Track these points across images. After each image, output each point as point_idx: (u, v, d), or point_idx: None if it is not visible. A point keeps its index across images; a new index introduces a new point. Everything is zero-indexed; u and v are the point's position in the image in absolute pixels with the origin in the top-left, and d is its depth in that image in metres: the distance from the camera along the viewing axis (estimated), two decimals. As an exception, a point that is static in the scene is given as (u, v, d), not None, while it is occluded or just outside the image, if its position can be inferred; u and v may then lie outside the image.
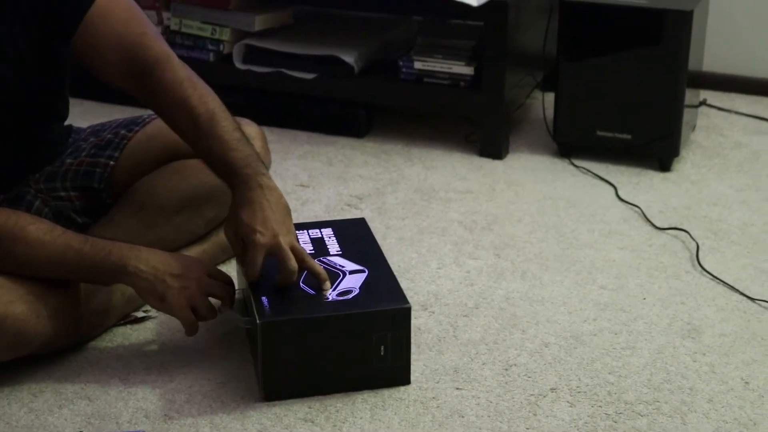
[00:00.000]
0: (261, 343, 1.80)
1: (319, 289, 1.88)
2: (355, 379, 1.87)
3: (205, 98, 1.92)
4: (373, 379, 1.88)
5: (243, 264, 1.89)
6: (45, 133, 2.10)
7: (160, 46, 1.93)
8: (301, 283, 1.90)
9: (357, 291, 1.88)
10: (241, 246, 1.88)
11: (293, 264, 1.85)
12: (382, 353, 1.86)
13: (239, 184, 1.88)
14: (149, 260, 1.85)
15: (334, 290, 1.88)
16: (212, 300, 1.91)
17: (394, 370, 1.89)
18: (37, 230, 1.85)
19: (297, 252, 1.86)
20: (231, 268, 2.23)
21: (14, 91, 1.92)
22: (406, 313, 1.86)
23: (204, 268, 1.91)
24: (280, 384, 1.84)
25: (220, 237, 2.23)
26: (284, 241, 1.84)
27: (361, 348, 1.85)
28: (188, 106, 1.90)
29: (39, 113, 2.05)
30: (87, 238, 1.88)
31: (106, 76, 1.95)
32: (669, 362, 1.98)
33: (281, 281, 1.86)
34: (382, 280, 1.93)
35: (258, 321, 1.79)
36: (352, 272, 1.94)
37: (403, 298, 1.88)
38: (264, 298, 1.84)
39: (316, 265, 1.90)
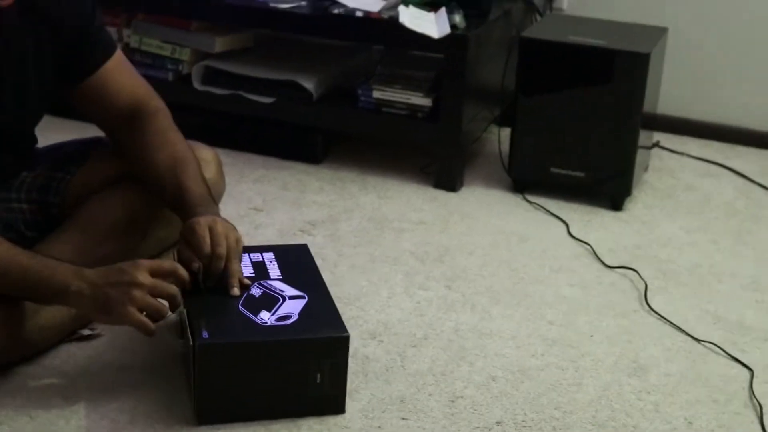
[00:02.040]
0: (196, 365, 1.78)
1: (231, 295, 1.89)
2: (290, 405, 1.85)
3: (184, 144, 2.07)
4: (308, 407, 1.86)
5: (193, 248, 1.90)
6: (21, 153, 2.11)
7: (157, 100, 2.12)
8: (240, 306, 1.89)
9: (296, 317, 1.87)
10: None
11: (220, 249, 1.87)
12: (318, 381, 1.85)
13: (194, 213, 1.93)
14: (89, 277, 1.82)
15: (273, 315, 1.87)
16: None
17: (330, 399, 1.88)
18: None
19: (229, 251, 1.89)
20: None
21: (11, 120, 1.98)
22: (344, 341, 1.85)
23: (145, 268, 1.83)
24: (214, 407, 1.82)
25: (168, 259, 2.22)
26: (222, 229, 1.89)
27: (298, 375, 1.84)
28: (171, 147, 2.04)
29: (24, 138, 2.10)
30: (35, 255, 1.86)
31: (105, 119, 2.09)
32: (614, 400, 2.00)
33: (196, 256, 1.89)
34: (321, 307, 1.93)
35: (196, 343, 1.78)
36: (291, 297, 1.93)
37: (342, 327, 1.87)
38: (201, 321, 1.82)
39: (238, 266, 1.91)
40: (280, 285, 1.97)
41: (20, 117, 2.01)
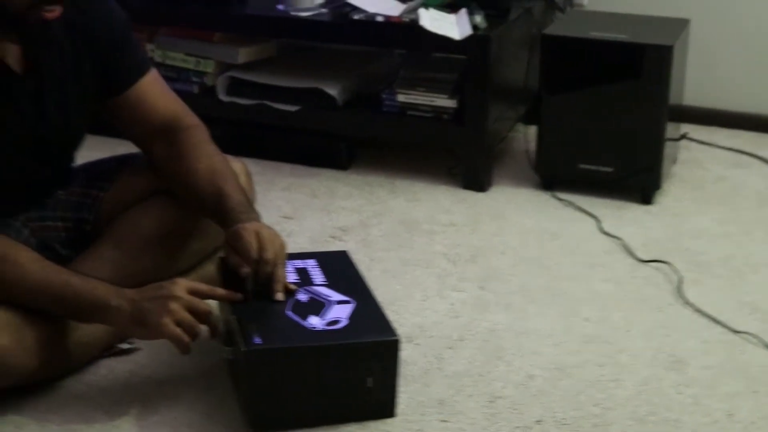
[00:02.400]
0: (247, 372, 1.79)
1: (278, 301, 1.91)
2: (340, 410, 1.86)
3: (221, 156, 2.09)
4: (358, 411, 1.87)
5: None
6: (60, 171, 2.14)
7: (193, 117, 2.14)
8: (288, 312, 1.89)
9: (345, 321, 1.88)
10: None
11: (268, 254, 1.89)
12: (368, 385, 1.85)
13: (237, 220, 1.95)
14: (128, 294, 1.85)
15: (322, 320, 1.88)
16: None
17: (379, 403, 1.88)
18: (28, 255, 1.86)
19: (275, 257, 1.91)
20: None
21: (54, 135, 2.00)
22: (394, 345, 1.86)
23: (183, 286, 1.87)
24: (266, 414, 1.83)
25: (205, 270, 2.24)
26: (267, 235, 1.91)
27: (348, 379, 1.84)
28: (208, 159, 2.06)
29: (65, 156, 2.13)
30: (75, 273, 1.89)
31: (140, 134, 2.11)
32: (653, 394, 1.99)
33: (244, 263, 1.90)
34: (369, 312, 1.93)
35: (248, 348, 1.78)
36: (339, 302, 1.94)
37: (392, 330, 1.88)
38: (251, 327, 1.83)
39: (283, 272, 1.93)
40: (325, 290, 1.98)
41: (63, 133, 2.03)
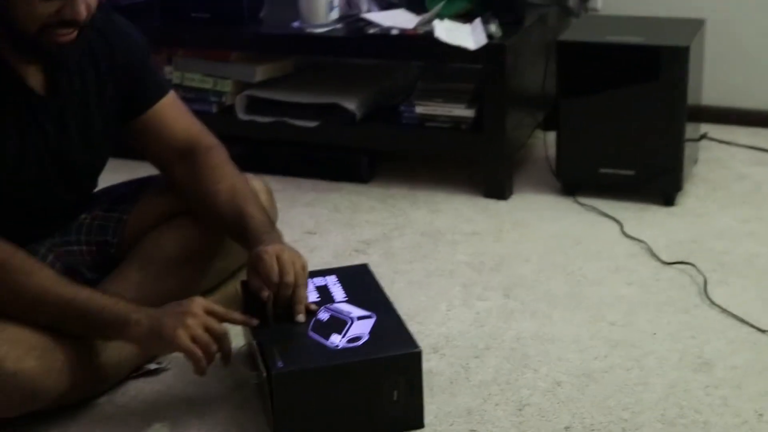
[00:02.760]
0: (274, 394, 1.80)
1: (299, 322, 1.92)
2: (368, 425, 1.87)
3: (241, 177, 2.11)
4: (386, 424, 1.87)
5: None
6: (84, 195, 2.16)
7: (212, 138, 2.16)
8: (310, 332, 1.90)
9: (366, 337, 1.89)
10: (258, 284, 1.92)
11: (289, 278, 1.90)
12: (395, 398, 1.86)
13: (259, 241, 1.96)
14: (148, 310, 1.87)
15: (343, 337, 1.89)
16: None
17: (407, 414, 1.89)
18: (50, 273, 1.88)
19: (297, 278, 1.92)
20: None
21: (77, 160, 2.02)
22: (416, 357, 1.86)
23: (200, 304, 1.88)
24: None
25: (228, 289, 2.25)
26: (288, 257, 1.92)
27: (374, 394, 1.85)
28: (229, 180, 2.08)
29: (89, 179, 2.15)
30: (95, 289, 1.92)
31: (161, 155, 2.13)
32: (682, 397, 1.98)
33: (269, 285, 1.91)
34: (390, 325, 1.94)
35: (271, 372, 1.79)
36: (359, 318, 1.95)
37: (413, 342, 1.88)
38: (274, 349, 1.84)
39: (304, 293, 1.94)
40: (346, 307, 1.99)
41: (86, 156, 2.05)
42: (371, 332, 1.90)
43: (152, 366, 2.10)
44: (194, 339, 1.84)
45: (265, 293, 1.91)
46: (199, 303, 1.88)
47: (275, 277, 1.90)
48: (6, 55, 1.85)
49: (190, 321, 1.84)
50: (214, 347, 1.86)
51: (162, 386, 2.06)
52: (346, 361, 1.83)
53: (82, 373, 1.92)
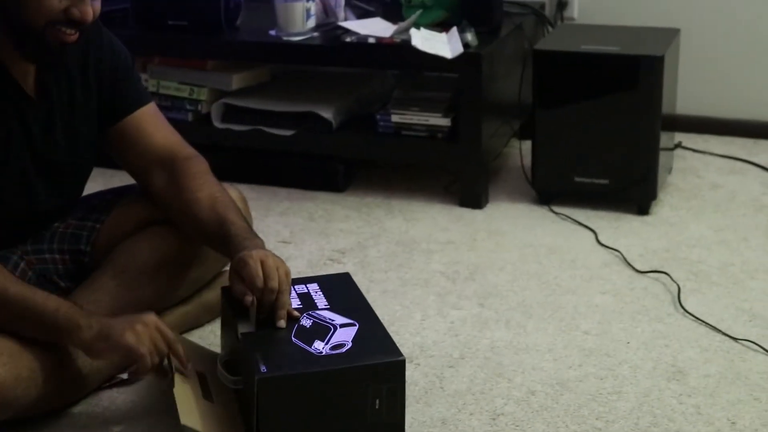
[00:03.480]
0: (258, 399, 1.79)
1: (282, 328, 1.91)
2: None
3: (220, 186, 2.11)
4: None
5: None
6: (68, 202, 2.16)
7: (191, 149, 2.16)
8: (293, 338, 1.90)
9: (350, 345, 1.88)
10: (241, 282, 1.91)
11: (273, 283, 1.89)
12: (377, 406, 1.85)
13: (242, 247, 1.95)
14: (100, 318, 1.87)
15: (326, 344, 1.88)
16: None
17: (388, 424, 1.87)
18: (8, 273, 1.89)
19: (280, 284, 1.91)
20: (215, 328, 2.24)
21: (64, 163, 2.03)
22: (400, 365, 1.86)
23: (153, 319, 1.88)
24: None
25: (204, 298, 2.25)
26: (272, 263, 1.91)
27: (357, 402, 1.84)
28: (209, 188, 2.08)
29: (72, 188, 2.15)
30: (51, 294, 1.90)
31: (139, 163, 2.13)
32: (655, 405, 1.99)
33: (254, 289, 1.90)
34: (373, 334, 1.94)
35: (255, 377, 1.78)
36: (342, 326, 1.94)
37: (397, 351, 1.88)
38: (257, 355, 1.84)
39: (287, 299, 1.93)
40: (329, 314, 1.98)
41: (71, 161, 2.05)
42: (354, 340, 1.90)
43: (125, 375, 2.08)
44: (141, 341, 1.84)
45: (249, 298, 1.90)
46: (151, 317, 1.88)
47: (260, 282, 1.90)
48: (3, 56, 1.88)
49: (140, 327, 1.85)
50: (163, 346, 1.86)
51: (135, 396, 2.05)
52: (330, 368, 1.82)
53: (54, 382, 1.91)
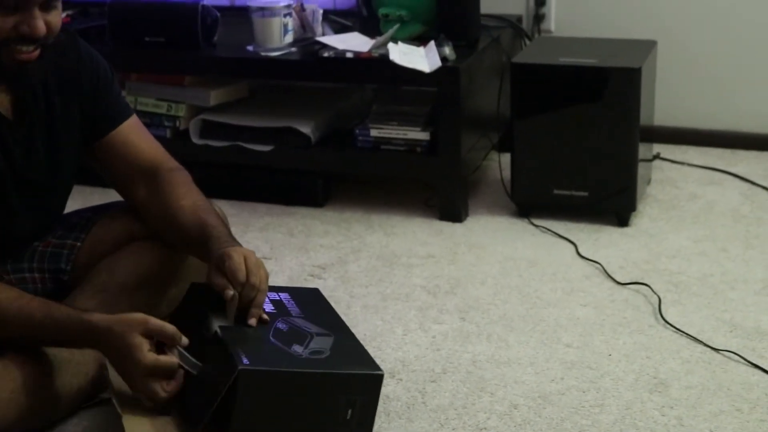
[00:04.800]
0: (237, 391, 1.75)
1: (260, 328, 1.89)
2: None
3: (203, 196, 2.11)
4: None
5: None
6: (50, 219, 2.14)
7: (174, 161, 2.16)
8: (271, 338, 1.88)
9: (328, 352, 1.88)
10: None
11: (255, 279, 1.88)
12: (348, 416, 1.84)
13: (224, 246, 1.95)
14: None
15: (305, 348, 1.87)
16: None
17: None
18: (3, 287, 1.89)
19: (261, 282, 1.91)
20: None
21: (44, 181, 2.02)
22: (379, 379, 1.86)
23: (141, 342, 1.83)
24: None
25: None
26: (255, 260, 1.92)
27: (330, 409, 1.83)
28: (193, 197, 2.09)
29: (53, 207, 2.13)
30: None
31: (124, 176, 2.12)
32: (638, 417, 1.99)
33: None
34: (350, 346, 1.93)
35: (237, 368, 1.74)
36: (318, 335, 1.93)
37: (376, 365, 1.88)
38: (238, 347, 1.81)
39: (263, 299, 1.92)
40: (303, 323, 1.97)
41: (53, 180, 2.04)
42: (332, 349, 1.89)
43: (106, 395, 2.07)
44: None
45: (230, 292, 1.89)
46: (138, 342, 1.83)
47: (242, 276, 1.89)
48: None
49: (141, 384, 1.82)
50: (169, 391, 1.84)
51: (114, 416, 2.03)
52: (313, 370, 1.81)
53: (32, 403, 1.89)
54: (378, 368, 1.87)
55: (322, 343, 1.90)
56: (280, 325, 1.93)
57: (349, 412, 1.84)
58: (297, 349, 1.86)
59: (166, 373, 1.84)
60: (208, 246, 1.98)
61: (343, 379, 1.83)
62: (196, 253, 2.06)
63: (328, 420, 1.84)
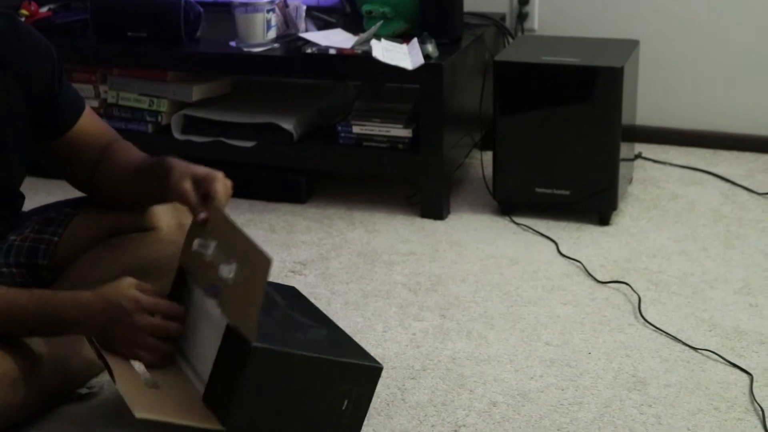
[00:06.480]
0: (248, 369, 1.73)
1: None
2: (311, 426, 1.83)
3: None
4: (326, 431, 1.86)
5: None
6: (10, 211, 2.14)
7: (118, 134, 2.17)
8: (270, 323, 1.86)
9: (326, 343, 1.87)
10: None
11: (216, 172, 1.95)
12: (343, 407, 1.84)
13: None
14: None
15: (305, 336, 1.86)
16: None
17: (347, 428, 1.87)
18: None
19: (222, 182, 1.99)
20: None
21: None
22: (377, 372, 1.87)
23: (135, 300, 1.88)
24: (245, 417, 1.76)
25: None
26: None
27: (328, 396, 1.82)
28: (140, 154, 2.10)
29: (11, 196, 2.13)
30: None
31: (81, 169, 2.11)
32: (616, 416, 2.00)
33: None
34: (343, 339, 1.94)
35: (251, 345, 1.72)
36: (311, 327, 1.92)
37: (374, 358, 1.89)
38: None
39: (222, 186, 1.99)
40: (294, 314, 1.95)
41: (2, 175, 2.02)
42: (328, 341, 1.89)
43: (83, 390, 2.06)
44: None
45: (203, 215, 1.91)
46: (138, 306, 1.88)
47: (203, 169, 1.93)
48: None
49: (139, 339, 1.87)
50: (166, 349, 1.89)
51: (94, 411, 2.03)
52: (325, 356, 1.80)
53: (10, 401, 1.88)
54: (377, 362, 1.88)
55: (318, 333, 1.90)
56: (274, 313, 1.92)
57: (345, 402, 1.84)
58: (299, 336, 1.85)
59: (167, 314, 1.90)
60: (165, 167, 1.97)
61: (348, 367, 1.83)
62: (151, 189, 2.03)
63: (324, 408, 1.83)
